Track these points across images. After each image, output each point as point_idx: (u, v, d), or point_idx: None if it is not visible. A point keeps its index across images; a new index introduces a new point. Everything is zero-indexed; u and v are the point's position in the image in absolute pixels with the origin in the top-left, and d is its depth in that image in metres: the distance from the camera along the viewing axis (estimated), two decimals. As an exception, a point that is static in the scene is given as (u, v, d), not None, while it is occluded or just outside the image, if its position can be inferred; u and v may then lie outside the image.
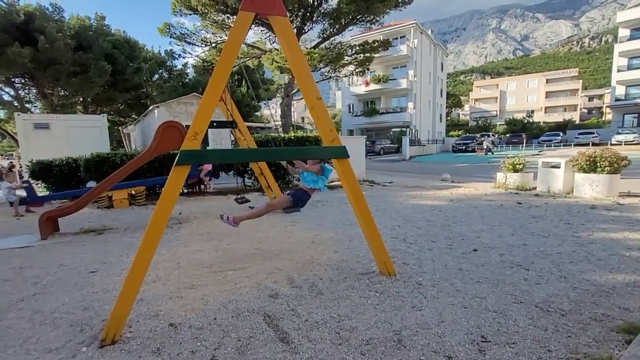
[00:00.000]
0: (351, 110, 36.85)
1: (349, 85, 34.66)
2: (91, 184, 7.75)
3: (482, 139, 29.25)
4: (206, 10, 14.71)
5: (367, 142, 20.92)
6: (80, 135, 10.04)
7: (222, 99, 4.99)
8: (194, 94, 14.40)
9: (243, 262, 3.44)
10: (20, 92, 20.56)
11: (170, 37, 16.35)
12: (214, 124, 5.49)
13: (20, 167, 16.97)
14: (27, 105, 20.84)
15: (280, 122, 19.66)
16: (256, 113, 29.73)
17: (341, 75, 21.08)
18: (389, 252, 3.12)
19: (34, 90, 20.63)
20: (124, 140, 21.64)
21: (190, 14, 15.11)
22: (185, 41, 16.59)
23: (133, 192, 7.06)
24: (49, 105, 19.31)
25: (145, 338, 2.13)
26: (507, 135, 37.19)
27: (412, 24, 32.43)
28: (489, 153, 24.05)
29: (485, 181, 9.54)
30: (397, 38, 32.76)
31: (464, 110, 70.47)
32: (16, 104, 19.77)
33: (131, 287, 2.12)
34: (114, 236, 4.78)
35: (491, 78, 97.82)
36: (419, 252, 3.63)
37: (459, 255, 3.51)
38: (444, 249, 3.75)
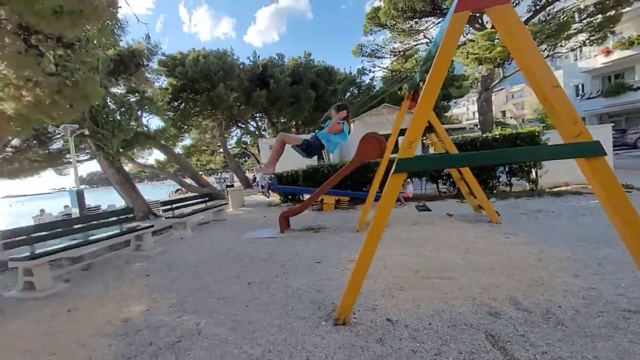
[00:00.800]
0: (580, 92, 28.37)
1: (577, 59, 26.90)
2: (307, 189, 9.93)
3: None
4: (394, 22, 15.87)
5: (613, 132, 15.45)
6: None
7: (416, 103, 5.14)
8: (384, 104, 15.69)
9: (450, 272, 3.38)
10: (258, 123, 29.27)
11: (362, 56, 18.72)
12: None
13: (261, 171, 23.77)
14: (263, 133, 29.33)
15: (475, 120, 17.96)
16: (445, 114, 28.42)
17: (564, 51, 16.72)
18: (685, 291, 2.18)
19: (266, 121, 28.82)
20: (323, 154, 26.28)
21: (379, 30, 16.77)
22: (375, 56, 18.50)
23: (337, 199, 8.45)
24: (275, 131, 26.32)
25: (368, 326, 2.49)
26: None
27: (699, -61, 21.41)
28: None
29: None
30: (664, -28, 22.58)
31: None
32: (257, 133, 28.26)
33: (357, 280, 2.54)
34: (328, 234, 5.87)
35: None
36: None
37: None
38: None
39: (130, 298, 3.68)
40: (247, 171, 43.16)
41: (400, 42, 18.21)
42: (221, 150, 28.67)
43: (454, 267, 3.51)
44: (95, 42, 7.22)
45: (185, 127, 22.08)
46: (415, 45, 19.29)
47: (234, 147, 33.53)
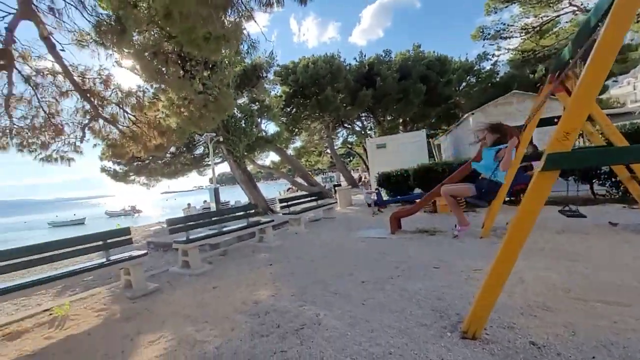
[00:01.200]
0: None
1: None
2: (416, 190, 9.48)
3: None
4: (528, -8, 13.68)
5: None
6: (406, 150, 12.66)
7: (563, 86, 4.30)
8: (514, 91, 13.66)
9: (620, 296, 2.69)
10: (364, 123, 29.55)
11: (484, 39, 16.75)
12: (555, 120, 4.80)
13: (366, 178, 23.97)
14: (368, 132, 29.48)
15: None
16: (601, 96, 22.93)
17: None
18: None
19: (372, 120, 28.86)
20: (433, 151, 24.67)
21: (505, 7, 14.70)
22: (500, 37, 16.32)
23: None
24: (381, 130, 26.10)
25: (504, 347, 2.20)
26: None
27: None
28: None
29: None
30: None
31: None
32: (362, 132, 28.59)
33: (491, 292, 2.28)
34: (445, 239, 5.48)
35: None
36: None
37: None
38: None
39: (258, 283, 4.22)
40: (352, 170, 44.22)
41: (535, 16, 15.43)
42: (328, 150, 30.16)
43: (626, 291, 2.78)
44: (227, 61, 8.61)
45: (296, 130, 24.06)
46: (557, 16, 16.06)
47: (339, 147, 34.83)
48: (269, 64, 15.28)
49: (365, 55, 24.87)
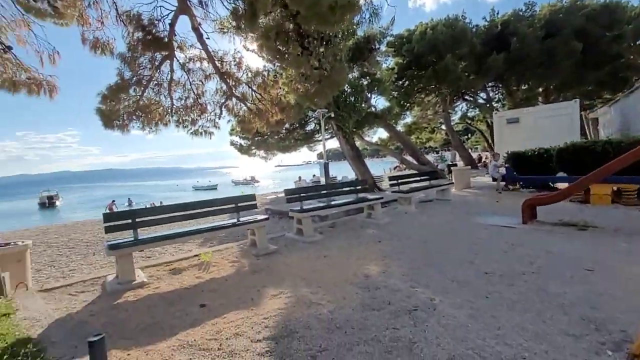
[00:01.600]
0: None
1: None
2: (559, 174, 7.89)
3: None
4: None
5: None
6: (548, 125, 10.57)
7: None
8: None
9: None
10: (490, 94, 25.86)
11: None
12: None
13: (487, 158, 21.28)
14: (495, 105, 25.73)
15: None
16: None
17: None
18: None
19: (500, 90, 25.00)
20: (586, 127, 19.93)
21: None
22: None
23: (616, 188, 6.20)
24: (513, 101, 22.38)
25: None
26: None
27: None
28: None
29: None
30: None
31: None
32: (487, 105, 25.11)
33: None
34: (602, 236, 4.46)
35: None
36: None
37: None
38: None
39: (368, 258, 4.28)
40: (470, 149, 39.84)
41: None
42: (443, 126, 27.80)
43: None
44: (340, 35, 8.59)
45: (408, 104, 22.81)
46: None
47: (456, 122, 31.68)
48: (382, 34, 14.64)
49: (497, 13, 21.39)
